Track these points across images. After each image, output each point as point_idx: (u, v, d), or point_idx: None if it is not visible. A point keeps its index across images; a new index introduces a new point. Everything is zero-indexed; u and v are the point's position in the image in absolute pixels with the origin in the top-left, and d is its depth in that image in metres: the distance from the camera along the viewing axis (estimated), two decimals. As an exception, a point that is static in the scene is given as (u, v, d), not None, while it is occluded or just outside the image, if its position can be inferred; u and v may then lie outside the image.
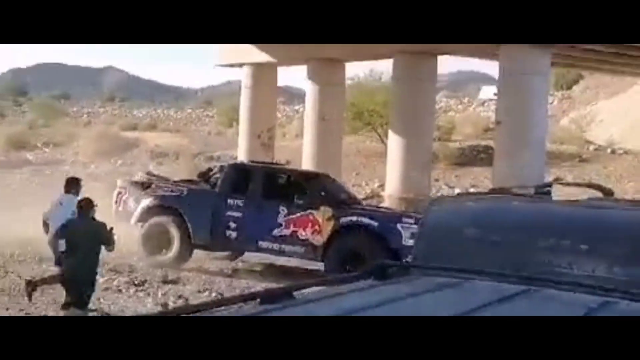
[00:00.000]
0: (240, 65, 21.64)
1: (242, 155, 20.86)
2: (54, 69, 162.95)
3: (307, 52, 18.57)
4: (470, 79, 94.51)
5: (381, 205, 16.91)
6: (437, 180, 23.58)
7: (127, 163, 30.27)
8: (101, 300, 10.82)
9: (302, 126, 22.83)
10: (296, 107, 44.04)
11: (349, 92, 24.03)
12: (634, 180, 24.10)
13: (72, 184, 11.20)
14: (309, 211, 12.99)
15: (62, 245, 8.62)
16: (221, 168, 14.78)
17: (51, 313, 9.85)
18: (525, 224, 3.35)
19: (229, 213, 13.42)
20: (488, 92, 44.55)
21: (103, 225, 8.73)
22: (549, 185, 3.94)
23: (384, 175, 19.59)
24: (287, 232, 13.06)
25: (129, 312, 9.70)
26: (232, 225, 13.38)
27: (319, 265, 13.48)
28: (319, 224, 12.90)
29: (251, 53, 20.03)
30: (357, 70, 45.87)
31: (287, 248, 13.16)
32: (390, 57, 18.66)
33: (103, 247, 8.80)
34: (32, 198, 17.97)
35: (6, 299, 10.76)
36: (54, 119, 44.92)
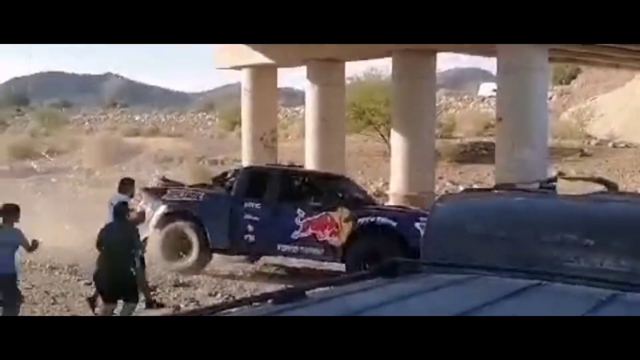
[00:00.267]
0: (240, 67, 21.67)
1: (246, 157, 20.92)
2: (54, 78, 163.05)
3: (306, 53, 18.60)
4: (469, 75, 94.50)
5: (388, 204, 16.93)
6: (440, 177, 23.62)
7: (131, 169, 30.31)
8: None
9: (303, 127, 22.85)
10: (297, 108, 44.05)
11: (349, 92, 24.05)
12: (636, 174, 24.12)
13: (126, 185, 11.65)
14: (326, 213, 13.03)
15: None
16: (236, 172, 14.82)
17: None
18: (532, 219, 3.38)
19: (247, 217, 13.45)
20: (487, 88, 44.59)
21: (135, 230, 9.44)
22: (554, 180, 3.98)
23: (387, 174, 19.64)
24: (305, 234, 13.10)
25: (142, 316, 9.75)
26: (250, 228, 13.40)
27: (329, 266, 13.56)
28: (337, 225, 12.94)
29: (250, 55, 20.07)
30: (356, 69, 45.91)
31: (306, 250, 13.20)
32: (389, 56, 18.70)
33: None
34: (39, 207, 18.04)
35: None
36: (56, 127, 44.98)
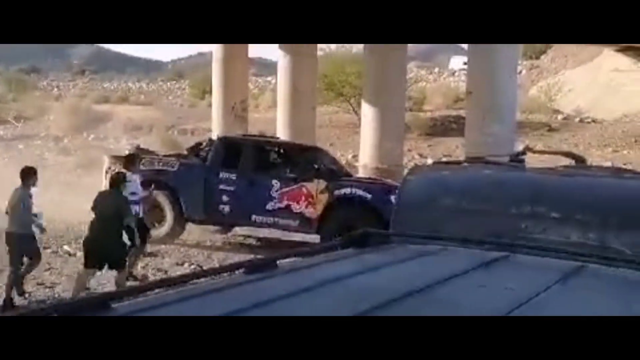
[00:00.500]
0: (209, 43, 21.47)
1: (216, 127, 20.79)
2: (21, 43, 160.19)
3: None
4: (440, 49, 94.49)
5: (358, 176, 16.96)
6: (409, 150, 23.69)
7: (100, 137, 30.06)
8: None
9: (275, 98, 22.78)
10: (268, 79, 43.86)
11: (321, 63, 23.99)
12: (602, 148, 24.40)
13: (130, 160, 12.04)
14: (302, 184, 13.02)
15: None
16: (211, 142, 14.73)
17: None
18: (502, 191, 3.42)
19: (222, 187, 13.38)
20: (458, 62, 44.68)
21: (125, 199, 9.83)
22: (523, 153, 4.01)
23: (357, 146, 19.66)
24: (280, 205, 13.08)
25: (108, 286, 9.73)
26: (225, 199, 13.35)
27: (296, 237, 13.58)
28: (312, 197, 12.94)
29: (222, 25, 19.87)
30: (328, 41, 45.72)
31: (281, 222, 13.19)
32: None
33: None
34: (5, 173, 17.84)
35: None
36: (24, 92, 44.36)
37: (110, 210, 9.39)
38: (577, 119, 28.80)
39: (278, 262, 2.65)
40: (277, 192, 13.11)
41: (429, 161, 20.74)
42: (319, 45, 22.00)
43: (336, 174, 13.78)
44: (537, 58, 40.47)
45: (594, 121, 28.32)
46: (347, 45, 30.67)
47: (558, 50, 37.35)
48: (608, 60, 30.68)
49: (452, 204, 3.46)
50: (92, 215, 9.59)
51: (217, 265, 10.03)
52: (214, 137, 16.00)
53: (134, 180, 11.27)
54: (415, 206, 3.60)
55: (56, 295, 10.16)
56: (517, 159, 3.89)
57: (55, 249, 12.91)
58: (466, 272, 2.50)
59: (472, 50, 15.75)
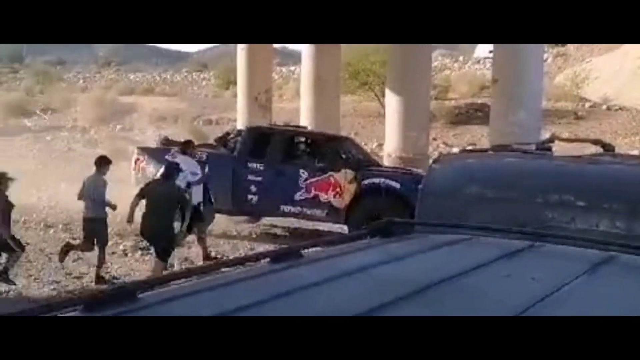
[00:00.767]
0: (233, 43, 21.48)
1: (240, 117, 20.83)
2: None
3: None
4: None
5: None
6: (434, 139, 23.59)
7: (126, 128, 30.22)
8: (108, 264, 11.02)
9: (298, 87, 22.73)
10: (292, 68, 43.81)
11: (345, 52, 23.92)
12: (629, 136, 24.13)
13: (187, 145, 12.50)
14: (330, 174, 12.99)
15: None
16: (239, 132, 14.74)
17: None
18: (529, 180, 3.38)
19: (250, 177, 13.38)
20: (483, 50, 44.31)
21: (179, 188, 10.39)
22: (551, 141, 3.97)
23: (381, 135, 19.60)
24: (308, 195, 13.07)
25: (135, 275, 9.81)
26: (253, 189, 13.35)
27: (321, 226, 13.58)
28: (340, 187, 12.91)
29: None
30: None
31: (309, 211, 13.18)
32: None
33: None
34: (33, 165, 18.00)
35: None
36: (51, 85, 44.69)
37: (163, 200, 9.76)
38: (604, 107, 28.48)
39: (303, 251, 2.64)
40: (305, 182, 13.09)
41: (455, 150, 20.64)
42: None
43: (364, 163, 13.73)
44: (564, 45, 40.06)
45: (621, 109, 27.99)
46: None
47: (584, 37, 36.86)
48: (635, 47, 30.28)
49: (478, 193, 3.43)
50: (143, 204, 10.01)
51: (242, 255, 10.09)
52: (239, 127, 16.01)
53: (193, 162, 11.83)
54: (440, 195, 3.58)
55: (85, 286, 10.26)
56: (544, 147, 3.85)
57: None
58: (492, 261, 2.47)
59: (498, 37, 15.60)
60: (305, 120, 19.41)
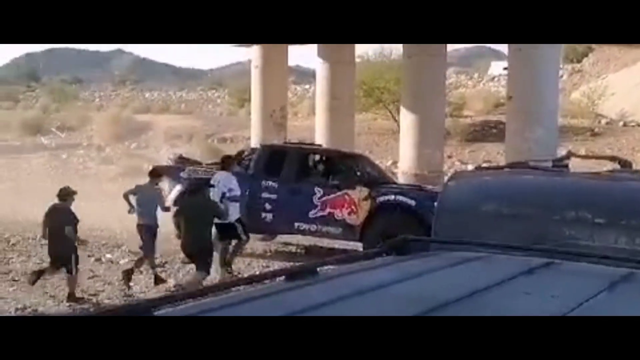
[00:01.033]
0: (250, 44, 21.57)
1: (255, 135, 20.87)
2: (65, 54, 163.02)
3: (317, 31, 18.46)
4: (479, 54, 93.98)
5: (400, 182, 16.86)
6: (449, 156, 23.55)
7: (141, 146, 30.37)
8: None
9: (313, 105, 22.78)
10: (306, 86, 43.93)
11: (359, 70, 23.96)
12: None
13: (227, 162, 12.64)
14: (344, 191, 12.94)
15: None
16: (253, 150, 14.76)
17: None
18: (545, 197, 3.36)
19: (264, 195, 13.36)
20: (498, 67, 44.35)
21: (214, 201, 10.80)
22: (567, 158, 3.95)
23: (396, 153, 19.58)
24: (323, 213, 13.00)
25: (151, 293, 9.80)
26: (268, 207, 13.33)
27: (335, 244, 13.52)
28: (355, 204, 12.83)
29: (261, 32, 19.93)
30: (366, 47, 45.72)
31: (323, 229, 13.11)
32: (400, 34, 18.53)
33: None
34: (49, 183, 18.08)
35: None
36: (67, 103, 45.03)
37: (196, 213, 10.13)
38: (621, 123, 28.36)
39: (318, 269, 2.62)
40: (319, 200, 13.05)
41: (470, 167, 20.58)
42: (357, 52, 21.96)
43: (379, 180, 13.70)
44: (579, 62, 40.01)
45: (638, 125, 27.87)
46: (386, 52, 30.63)
47: (600, 54, 36.89)
48: (651, 63, 30.25)
49: (494, 210, 3.41)
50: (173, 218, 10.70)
51: (257, 273, 10.08)
52: (253, 144, 16.02)
53: (231, 178, 11.96)
54: (456, 212, 3.56)
55: (99, 302, 10.26)
56: (560, 164, 3.82)
57: (98, 256, 13.05)
58: (510, 279, 2.45)
59: (513, 54, 15.59)
60: (319, 138, 19.42)
